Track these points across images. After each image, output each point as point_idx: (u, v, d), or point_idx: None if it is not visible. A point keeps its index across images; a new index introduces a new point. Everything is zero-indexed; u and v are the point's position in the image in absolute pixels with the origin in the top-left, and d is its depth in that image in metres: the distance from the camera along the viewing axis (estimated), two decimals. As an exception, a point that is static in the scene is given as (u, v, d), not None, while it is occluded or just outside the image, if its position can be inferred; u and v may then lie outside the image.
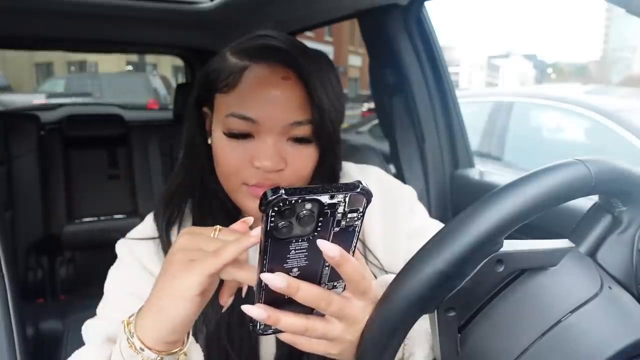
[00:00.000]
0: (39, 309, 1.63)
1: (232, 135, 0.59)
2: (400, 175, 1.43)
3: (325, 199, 0.38)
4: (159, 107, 5.38)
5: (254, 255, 0.41)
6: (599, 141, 2.47)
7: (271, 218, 0.37)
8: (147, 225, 0.67)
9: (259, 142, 0.58)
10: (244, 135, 0.59)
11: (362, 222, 0.41)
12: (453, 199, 1.42)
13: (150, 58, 14.00)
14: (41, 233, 1.92)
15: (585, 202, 0.47)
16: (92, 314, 0.62)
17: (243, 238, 0.43)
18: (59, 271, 2.00)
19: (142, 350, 0.45)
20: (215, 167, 0.63)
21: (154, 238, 0.65)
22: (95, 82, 7.52)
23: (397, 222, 0.69)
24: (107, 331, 0.56)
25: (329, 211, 0.38)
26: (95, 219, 2.02)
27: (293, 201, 0.37)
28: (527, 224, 0.39)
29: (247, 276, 0.43)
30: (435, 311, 0.42)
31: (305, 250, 0.40)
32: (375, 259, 0.66)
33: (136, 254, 0.64)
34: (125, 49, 2.62)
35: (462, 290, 0.41)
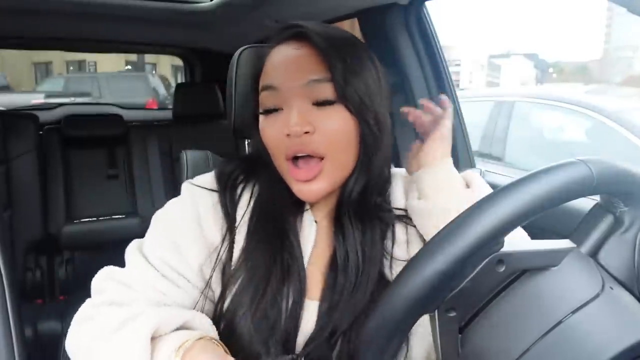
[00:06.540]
0: (37, 310, 1.63)
1: (266, 111, 0.64)
2: (400, 175, 1.42)
3: None
4: (157, 106, 5.37)
5: None
6: (600, 141, 2.46)
7: None
8: (210, 178, 0.70)
9: (286, 112, 0.62)
10: (275, 110, 0.63)
11: None
12: (453, 198, 1.42)
13: (149, 58, 13.99)
14: (40, 233, 1.92)
15: (586, 203, 0.47)
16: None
17: None
18: (57, 272, 2.00)
19: None
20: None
21: (215, 190, 0.68)
22: (94, 81, 7.50)
23: None
24: (150, 327, 0.54)
25: None
26: (94, 219, 2.01)
27: None
28: (528, 223, 0.39)
29: None
30: (436, 311, 0.42)
31: None
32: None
33: (197, 199, 0.67)
34: (125, 48, 2.62)
35: (463, 291, 0.41)
